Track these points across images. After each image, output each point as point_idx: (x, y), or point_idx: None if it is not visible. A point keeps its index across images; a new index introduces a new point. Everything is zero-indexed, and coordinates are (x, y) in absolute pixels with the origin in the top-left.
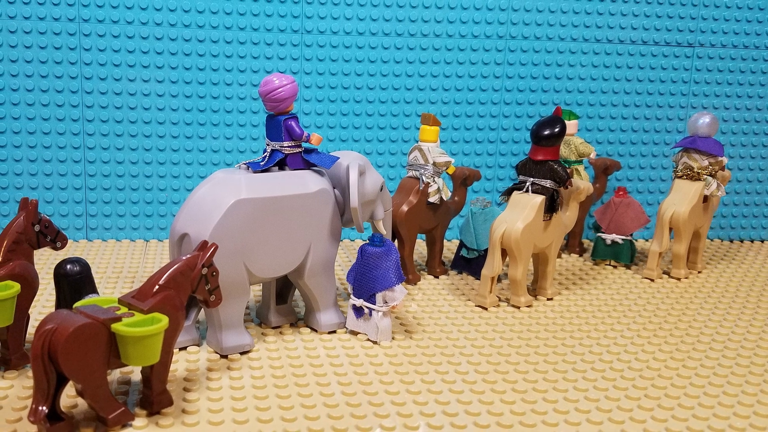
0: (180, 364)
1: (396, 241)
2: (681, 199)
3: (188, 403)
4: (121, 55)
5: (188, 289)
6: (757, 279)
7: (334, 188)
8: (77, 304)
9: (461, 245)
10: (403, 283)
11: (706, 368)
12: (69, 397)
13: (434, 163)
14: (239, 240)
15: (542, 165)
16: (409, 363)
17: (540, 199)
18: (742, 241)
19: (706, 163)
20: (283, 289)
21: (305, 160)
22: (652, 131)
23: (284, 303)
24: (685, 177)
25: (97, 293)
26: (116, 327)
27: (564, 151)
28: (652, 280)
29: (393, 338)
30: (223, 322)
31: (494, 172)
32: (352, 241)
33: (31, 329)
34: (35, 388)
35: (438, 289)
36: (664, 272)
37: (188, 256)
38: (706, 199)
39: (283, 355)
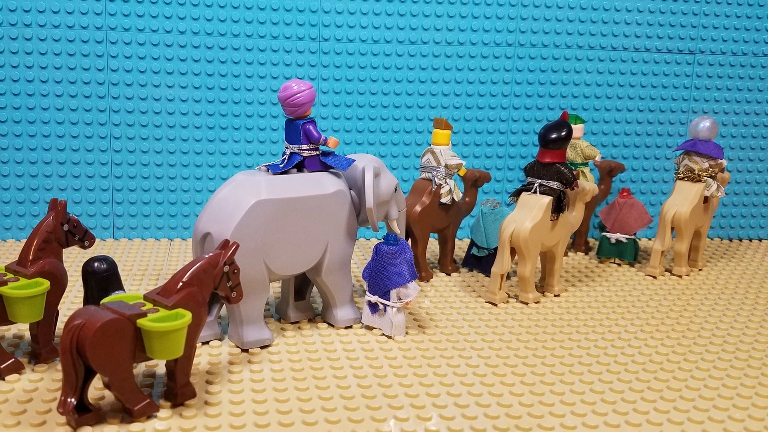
0: (203, 357)
1: (409, 240)
2: (682, 199)
3: (210, 395)
4: (146, 61)
5: (211, 286)
6: (755, 276)
7: (350, 189)
8: (104, 301)
9: (472, 244)
10: (417, 280)
11: (706, 362)
12: (96, 390)
13: (446, 166)
14: (259, 239)
15: (549, 167)
16: (422, 357)
17: (547, 199)
18: (741, 240)
19: (706, 165)
20: (302, 285)
21: (323, 162)
22: (655, 135)
23: (302, 299)
24: (686, 179)
25: (124, 290)
26: (142, 322)
27: (570, 153)
28: (655, 278)
29: (406, 333)
30: (244, 318)
31: (503, 174)
32: (367, 240)
33: (60, 324)
34: (64, 380)
35: (450, 286)
36: (667, 270)
37: (211, 254)
38: (706, 199)
39: (302, 349)
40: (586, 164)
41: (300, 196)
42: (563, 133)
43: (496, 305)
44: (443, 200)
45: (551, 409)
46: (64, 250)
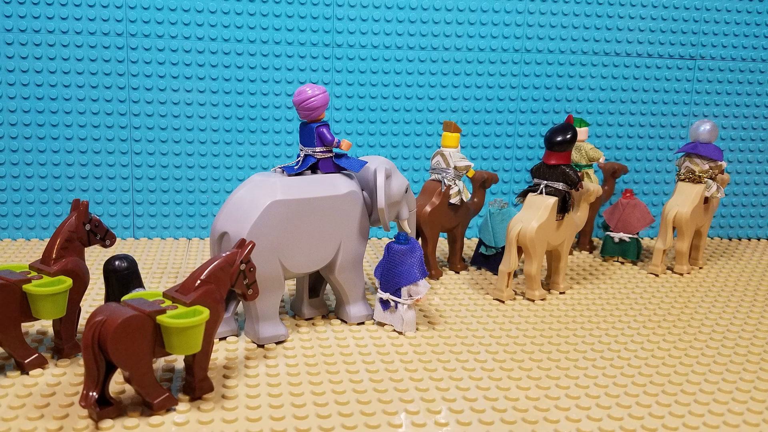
0: (220, 353)
1: (420, 239)
2: (683, 200)
3: (227, 389)
4: (166, 67)
5: (227, 284)
6: (753, 274)
7: (362, 190)
8: (125, 298)
9: (480, 243)
10: (427, 278)
11: (706, 357)
12: (117, 384)
13: (455, 167)
14: (275, 238)
15: (555, 169)
16: (432, 352)
17: (553, 200)
18: (740, 239)
19: (706, 167)
20: (316, 283)
21: (336, 164)
22: (657, 137)
23: (316, 296)
24: (687, 180)
25: (144, 287)
26: (161, 319)
27: (575, 155)
28: (657, 276)
29: (417, 329)
30: (259, 314)
31: (511, 176)
32: (379, 239)
33: (82, 321)
34: (86, 375)
35: (459, 284)
36: (668, 268)
37: (228, 253)
38: (706, 200)
39: (316, 345)
40: (590, 166)
41: (314, 196)
42: (568, 136)
43: (503, 302)
44: (452, 201)
45: (557, 402)
46: (86, 248)
